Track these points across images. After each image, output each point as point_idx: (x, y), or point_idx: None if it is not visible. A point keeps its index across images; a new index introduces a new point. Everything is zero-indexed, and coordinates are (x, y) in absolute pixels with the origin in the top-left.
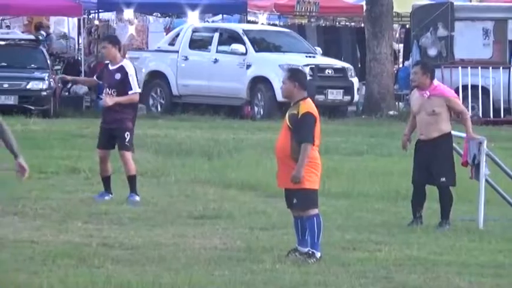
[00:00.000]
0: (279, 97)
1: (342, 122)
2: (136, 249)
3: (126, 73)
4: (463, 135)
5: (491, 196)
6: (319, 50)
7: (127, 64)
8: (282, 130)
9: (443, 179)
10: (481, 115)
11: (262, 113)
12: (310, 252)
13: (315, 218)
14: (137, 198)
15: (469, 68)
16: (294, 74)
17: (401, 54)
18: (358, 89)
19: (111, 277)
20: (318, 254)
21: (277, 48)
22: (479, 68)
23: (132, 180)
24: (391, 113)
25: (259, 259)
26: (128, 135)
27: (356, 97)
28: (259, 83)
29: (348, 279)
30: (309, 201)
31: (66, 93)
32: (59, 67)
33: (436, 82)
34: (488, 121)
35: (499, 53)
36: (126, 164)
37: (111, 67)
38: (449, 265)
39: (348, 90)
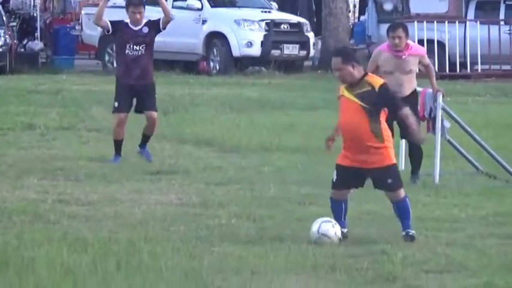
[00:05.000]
0: (235, 52)
1: (297, 76)
2: (92, 205)
3: (152, 20)
4: (419, 89)
5: (447, 150)
6: (274, 5)
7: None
8: (346, 110)
9: None
10: (437, 69)
11: (218, 68)
12: (411, 233)
13: (407, 199)
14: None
15: (424, 22)
16: (346, 56)
17: (357, 9)
18: (314, 44)
19: (67, 233)
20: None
21: (232, 3)
22: (435, 22)
23: (148, 138)
24: None
25: (215, 214)
26: (156, 95)
27: (312, 52)
28: (215, 38)
29: (304, 234)
30: (400, 179)
31: (22, 50)
32: (14, 23)
33: (409, 42)
34: (444, 75)
35: (455, 8)
36: (154, 125)
37: (134, 27)
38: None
39: (304, 45)
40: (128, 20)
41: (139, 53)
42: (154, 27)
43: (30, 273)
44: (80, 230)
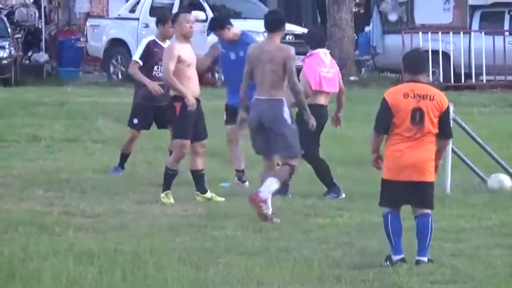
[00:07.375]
0: None
1: None
2: (97, 217)
3: None
4: None
5: (452, 161)
6: None
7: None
8: None
9: None
10: (441, 80)
11: (222, 79)
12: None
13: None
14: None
15: (429, 33)
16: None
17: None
18: None
19: (73, 245)
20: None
21: (237, 15)
22: (440, 33)
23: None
24: (352, 78)
25: (221, 226)
26: None
27: None
28: None
29: (309, 245)
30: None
31: (27, 62)
32: (19, 35)
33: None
34: (449, 86)
35: (460, 18)
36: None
37: (164, 44)
38: (410, 230)
39: None
40: (151, 38)
41: None
42: None
43: (36, 285)
44: (86, 241)
